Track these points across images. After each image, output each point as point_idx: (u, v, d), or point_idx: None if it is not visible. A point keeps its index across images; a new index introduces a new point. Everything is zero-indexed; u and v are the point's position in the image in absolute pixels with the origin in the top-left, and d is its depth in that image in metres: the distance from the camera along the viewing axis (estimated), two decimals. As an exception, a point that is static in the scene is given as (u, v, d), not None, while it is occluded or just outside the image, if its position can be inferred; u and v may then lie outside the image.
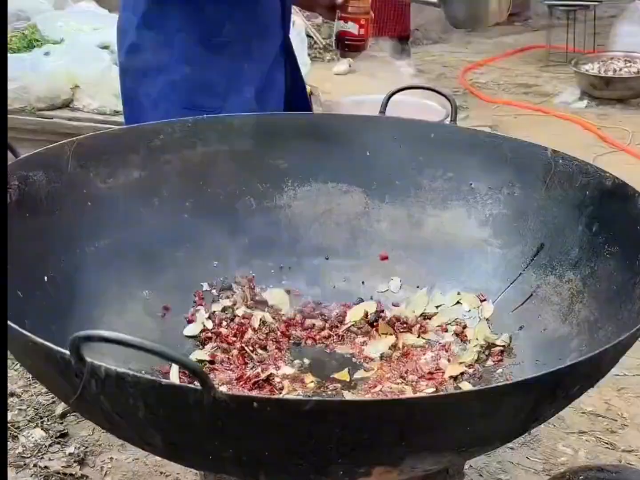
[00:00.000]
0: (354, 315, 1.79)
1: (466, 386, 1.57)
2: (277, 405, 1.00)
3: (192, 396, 0.98)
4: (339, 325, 1.78)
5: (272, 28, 2.28)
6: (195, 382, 0.96)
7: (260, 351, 1.65)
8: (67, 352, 1.03)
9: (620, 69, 6.03)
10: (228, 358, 1.61)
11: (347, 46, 2.36)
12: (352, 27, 2.32)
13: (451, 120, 2.00)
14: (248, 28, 2.19)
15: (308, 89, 3.73)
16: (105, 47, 3.58)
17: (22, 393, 2.54)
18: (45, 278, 1.56)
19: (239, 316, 1.76)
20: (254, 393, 1.50)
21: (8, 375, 2.47)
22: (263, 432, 1.02)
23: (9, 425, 2.34)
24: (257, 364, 1.61)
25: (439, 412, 1.03)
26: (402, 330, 1.77)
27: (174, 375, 1.52)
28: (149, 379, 1.03)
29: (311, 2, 2.44)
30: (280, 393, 1.52)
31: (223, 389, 1.50)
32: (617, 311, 1.46)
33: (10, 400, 2.47)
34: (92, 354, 1.40)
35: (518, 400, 1.08)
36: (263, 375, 1.52)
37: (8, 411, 2.38)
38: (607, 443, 2.41)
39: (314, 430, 1.02)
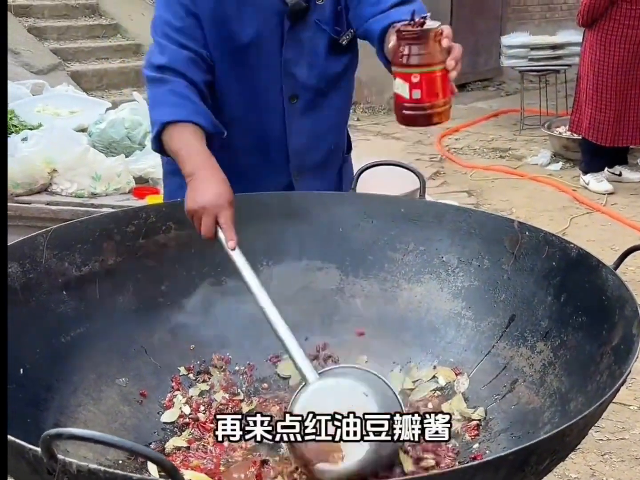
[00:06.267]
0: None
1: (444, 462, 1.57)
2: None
3: (162, 491, 0.99)
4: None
5: None
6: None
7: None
8: (39, 449, 1.04)
9: (592, 130, 6.14)
10: (204, 445, 1.61)
11: (402, 115, 1.59)
12: (400, 88, 1.55)
13: (420, 196, 2.04)
14: None
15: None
16: (82, 130, 3.64)
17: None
18: (21, 370, 1.57)
19: (216, 400, 1.76)
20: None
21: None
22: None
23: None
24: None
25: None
26: None
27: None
28: (121, 475, 1.04)
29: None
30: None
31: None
32: (587, 382, 1.48)
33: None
34: (70, 443, 1.41)
35: (486, 480, 1.09)
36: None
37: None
38: (593, 510, 2.40)
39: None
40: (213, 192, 1.72)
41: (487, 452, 1.57)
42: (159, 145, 1.89)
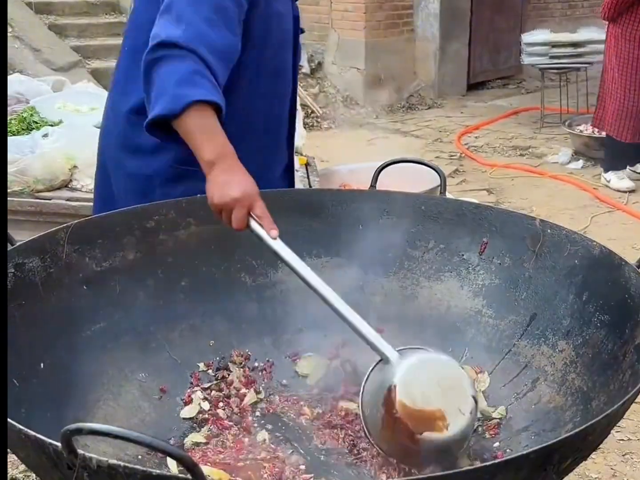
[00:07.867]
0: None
1: (464, 461, 1.56)
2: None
3: (182, 486, 0.99)
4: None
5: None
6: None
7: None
8: (59, 444, 1.04)
9: (614, 129, 6.08)
10: (222, 441, 1.61)
11: None
12: None
13: (440, 193, 2.03)
14: None
15: (304, 159, 3.79)
16: (103, 127, 3.64)
17: (23, 478, 2.52)
18: (42, 365, 1.57)
19: (236, 397, 1.76)
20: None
21: (8, 460, 2.46)
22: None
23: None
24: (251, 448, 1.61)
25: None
26: None
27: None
28: (140, 470, 1.03)
29: None
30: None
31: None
32: (609, 381, 1.47)
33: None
34: (90, 438, 1.42)
35: (507, 479, 1.08)
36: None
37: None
38: (614, 511, 2.38)
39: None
40: (244, 184, 1.67)
41: (508, 450, 1.57)
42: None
